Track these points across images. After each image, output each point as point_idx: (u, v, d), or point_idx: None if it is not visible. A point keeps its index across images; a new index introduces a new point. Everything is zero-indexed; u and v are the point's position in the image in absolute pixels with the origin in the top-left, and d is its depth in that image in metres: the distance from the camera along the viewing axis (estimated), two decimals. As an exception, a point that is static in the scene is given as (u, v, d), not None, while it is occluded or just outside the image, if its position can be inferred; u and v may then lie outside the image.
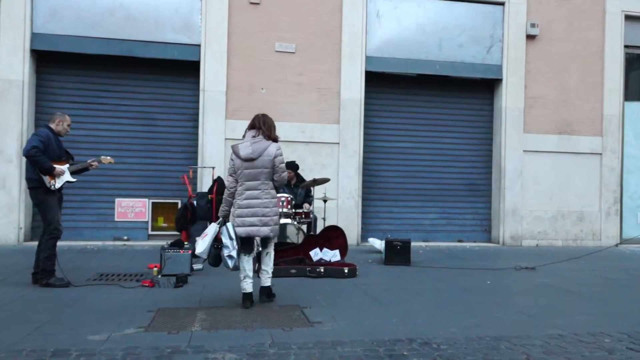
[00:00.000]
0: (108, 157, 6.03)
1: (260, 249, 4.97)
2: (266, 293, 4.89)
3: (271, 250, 4.90)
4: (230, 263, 4.55)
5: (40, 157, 5.28)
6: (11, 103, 8.36)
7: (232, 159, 4.73)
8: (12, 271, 6.14)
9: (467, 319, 4.46)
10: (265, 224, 4.66)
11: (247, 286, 4.70)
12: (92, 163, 5.76)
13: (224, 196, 4.84)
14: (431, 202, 10.24)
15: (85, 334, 3.77)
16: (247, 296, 4.70)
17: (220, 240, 4.60)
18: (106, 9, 8.81)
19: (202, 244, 4.64)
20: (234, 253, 4.55)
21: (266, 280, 4.89)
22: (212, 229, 4.74)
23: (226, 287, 5.58)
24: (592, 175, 10.42)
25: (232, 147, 4.78)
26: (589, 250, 8.75)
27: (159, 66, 9.12)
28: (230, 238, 4.57)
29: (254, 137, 4.70)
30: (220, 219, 4.78)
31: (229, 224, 4.65)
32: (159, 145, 9.21)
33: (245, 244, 4.68)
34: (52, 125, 5.57)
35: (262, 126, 4.73)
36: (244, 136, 4.81)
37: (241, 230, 4.62)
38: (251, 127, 4.78)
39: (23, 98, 8.41)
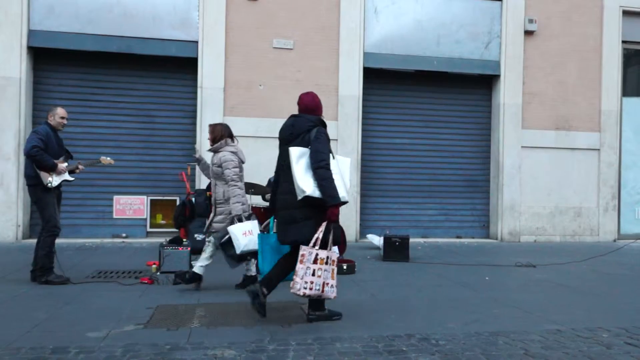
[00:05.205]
0: (108, 158, 5.99)
1: None
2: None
3: None
4: None
5: (42, 155, 5.27)
6: (8, 101, 8.34)
7: None
8: (11, 269, 6.13)
9: (465, 315, 4.47)
10: None
11: None
12: (79, 166, 5.70)
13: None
14: (429, 199, 10.25)
15: (84, 331, 3.77)
16: None
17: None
18: (103, 5, 8.78)
19: None
20: None
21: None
22: None
23: (225, 283, 5.59)
24: (590, 171, 10.43)
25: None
26: (587, 246, 8.77)
27: (157, 63, 9.09)
28: None
29: None
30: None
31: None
32: (157, 142, 9.19)
33: None
34: (50, 121, 5.56)
35: None
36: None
37: None
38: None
39: (20, 95, 8.39)
